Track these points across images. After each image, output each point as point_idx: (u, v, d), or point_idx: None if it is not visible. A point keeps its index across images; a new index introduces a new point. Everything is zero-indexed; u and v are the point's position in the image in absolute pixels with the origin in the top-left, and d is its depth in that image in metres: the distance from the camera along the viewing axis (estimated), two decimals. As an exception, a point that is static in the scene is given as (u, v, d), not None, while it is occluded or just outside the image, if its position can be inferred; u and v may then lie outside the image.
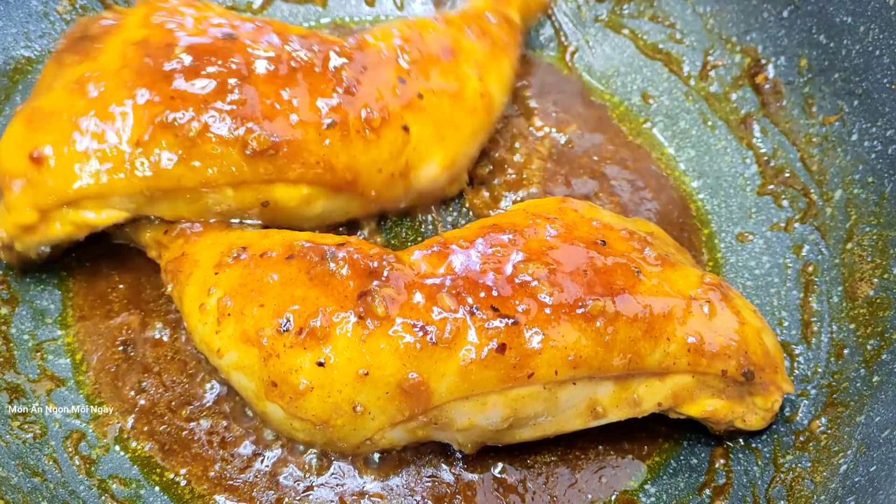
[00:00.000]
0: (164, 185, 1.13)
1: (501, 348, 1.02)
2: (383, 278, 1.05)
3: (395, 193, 1.26)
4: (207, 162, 1.13)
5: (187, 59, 1.14)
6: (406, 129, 1.22)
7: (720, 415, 1.12)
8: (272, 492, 1.13)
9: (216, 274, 1.12)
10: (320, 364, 1.02)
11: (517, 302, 1.03)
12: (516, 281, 1.05)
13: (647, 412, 1.11)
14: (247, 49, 1.17)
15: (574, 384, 1.06)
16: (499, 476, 1.17)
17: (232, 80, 1.13)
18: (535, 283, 1.04)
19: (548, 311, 1.03)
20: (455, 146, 1.28)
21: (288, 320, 1.04)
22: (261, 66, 1.16)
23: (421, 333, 1.02)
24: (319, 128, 1.16)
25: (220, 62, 1.14)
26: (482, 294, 1.04)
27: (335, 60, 1.21)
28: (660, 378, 1.09)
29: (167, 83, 1.12)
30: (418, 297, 1.04)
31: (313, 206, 1.21)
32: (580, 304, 1.04)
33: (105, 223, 1.16)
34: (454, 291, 1.04)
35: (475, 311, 1.03)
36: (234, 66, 1.14)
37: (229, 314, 1.08)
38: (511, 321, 1.02)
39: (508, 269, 1.06)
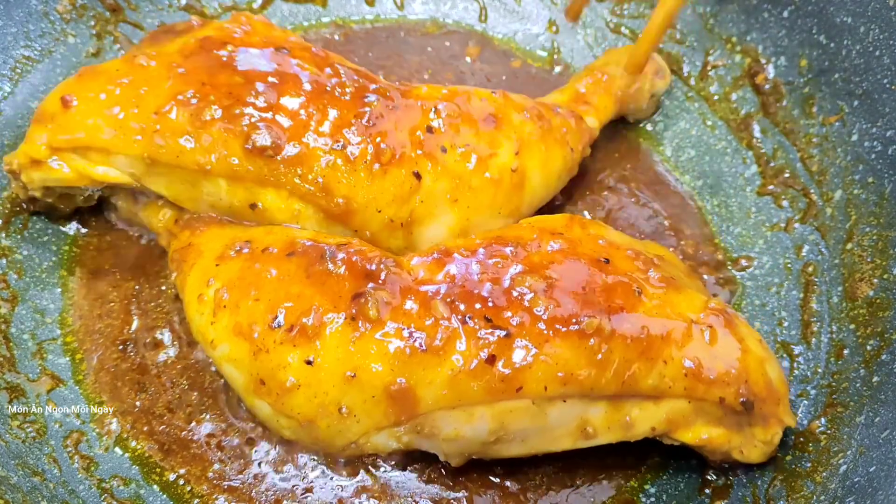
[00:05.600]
0: (163, 157, 1.16)
1: (491, 360, 1.01)
2: (380, 281, 1.05)
3: (395, 243, 1.21)
4: (209, 147, 1.15)
5: (230, 57, 1.20)
6: (417, 175, 1.17)
7: (716, 444, 1.10)
8: (271, 492, 1.13)
9: (217, 266, 1.12)
10: (308, 362, 1.02)
11: (511, 314, 1.02)
12: (513, 293, 1.04)
13: (640, 436, 1.09)
14: (290, 63, 1.21)
15: (564, 402, 1.05)
16: (497, 479, 1.17)
17: (260, 85, 1.17)
18: (532, 296, 1.04)
19: (542, 325, 1.02)
20: (469, 213, 1.20)
21: (281, 316, 1.04)
22: (292, 80, 1.18)
23: (411, 339, 1.01)
24: (326, 146, 1.15)
25: (258, 67, 1.19)
26: (477, 304, 1.03)
27: (368, 93, 1.20)
28: (654, 401, 1.07)
29: (204, 70, 1.18)
30: (412, 303, 1.04)
31: (303, 226, 1.19)
32: (575, 320, 1.02)
33: (105, 180, 1.20)
34: (449, 299, 1.04)
35: (468, 320, 1.02)
36: (268, 73, 1.19)
37: (225, 306, 1.08)
38: (503, 333, 1.01)
39: (506, 281, 1.05)
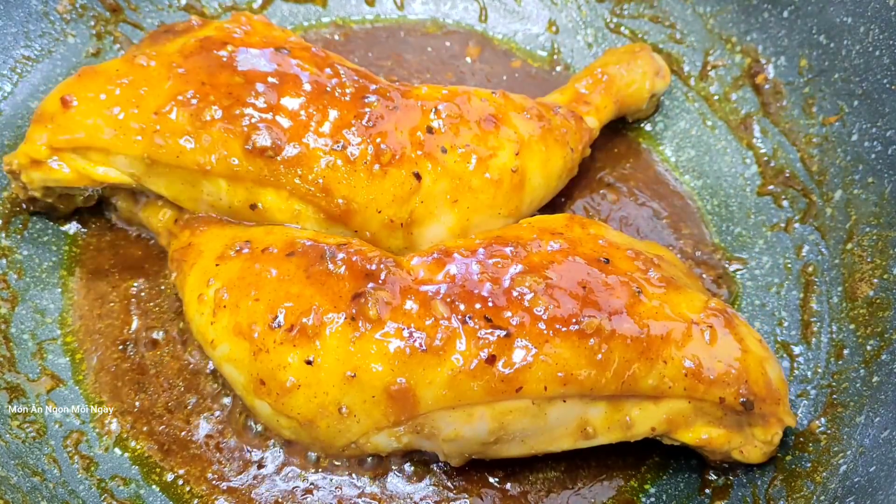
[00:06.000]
0: (163, 158, 1.16)
1: (491, 360, 1.01)
2: (380, 281, 1.05)
3: (395, 243, 1.21)
4: (209, 147, 1.15)
5: (230, 57, 1.21)
6: (418, 176, 1.17)
7: (716, 444, 1.09)
8: (271, 493, 1.13)
9: (217, 265, 1.12)
10: (308, 362, 1.03)
11: (511, 314, 1.02)
12: (513, 293, 1.04)
13: (640, 436, 1.09)
14: (290, 64, 1.21)
15: (564, 402, 1.04)
16: (497, 480, 1.17)
17: (260, 85, 1.17)
18: (531, 295, 1.03)
19: (541, 325, 1.02)
20: (468, 214, 1.20)
21: (280, 316, 1.04)
22: (292, 80, 1.19)
23: (411, 339, 1.01)
24: (326, 146, 1.16)
25: (258, 67, 1.20)
26: (477, 304, 1.03)
27: (368, 94, 1.20)
28: (654, 402, 1.07)
29: (204, 70, 1.19)
30: (412, 303, 1.04)
31: (303, 226, 1.19)
32: (575, 320, 1.02)
33: (105, 180, 1.21)
34: (449, 299, 1.03)
35: (468, 320, 1.02)
36: (268, 74, 1.19)
37: (225, 306, 1.08)
38: (503, 333, 1.01)
39: (506, 281, 1.05)
